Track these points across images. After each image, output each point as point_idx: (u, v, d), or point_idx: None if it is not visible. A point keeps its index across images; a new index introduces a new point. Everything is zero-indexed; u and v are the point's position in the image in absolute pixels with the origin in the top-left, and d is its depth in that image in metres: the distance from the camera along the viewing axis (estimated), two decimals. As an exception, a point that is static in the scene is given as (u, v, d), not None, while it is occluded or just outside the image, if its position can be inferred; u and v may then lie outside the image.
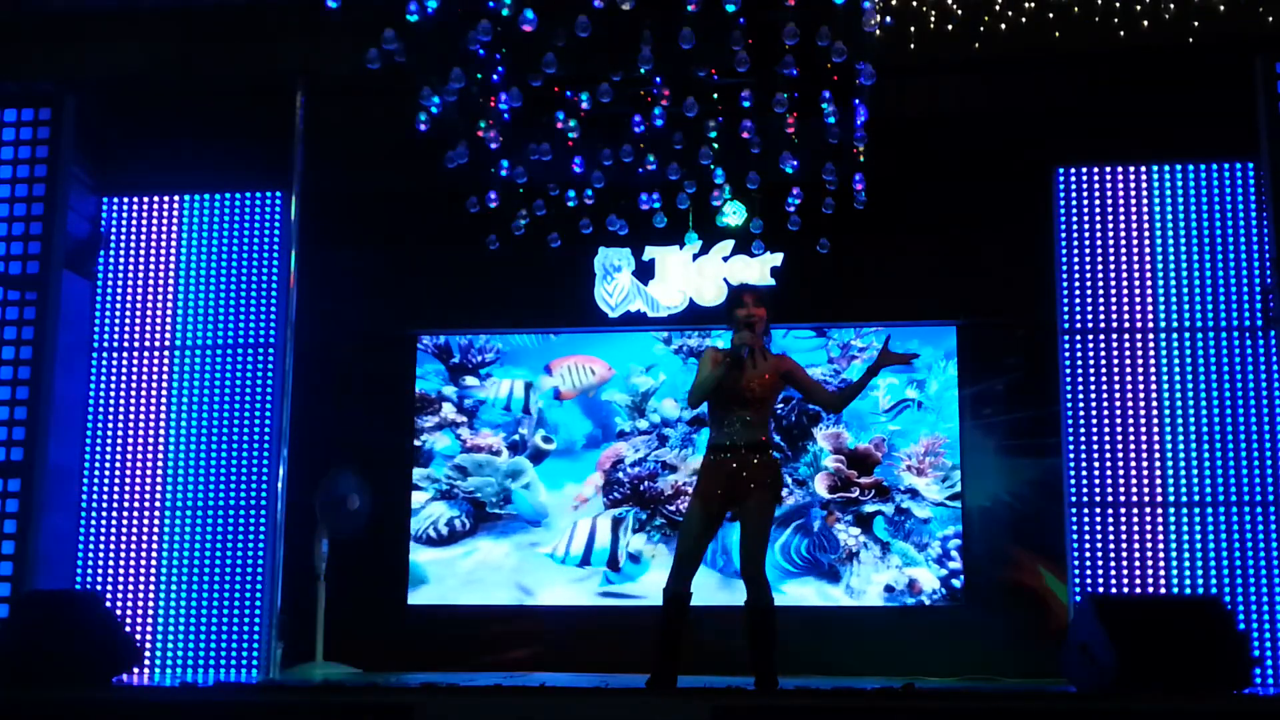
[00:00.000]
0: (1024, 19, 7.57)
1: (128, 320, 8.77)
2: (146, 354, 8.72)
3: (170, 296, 8.75)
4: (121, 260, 8.82)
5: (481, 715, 5.60)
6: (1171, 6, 7.51)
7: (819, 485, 9.17)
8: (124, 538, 8.53)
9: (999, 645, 8.45)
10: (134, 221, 8.86)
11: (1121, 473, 8.03)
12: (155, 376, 8.69)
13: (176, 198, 8.84)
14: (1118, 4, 7.57)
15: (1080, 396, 8.13)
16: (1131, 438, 8.05)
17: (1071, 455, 8.09)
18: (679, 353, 9.41)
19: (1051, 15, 7.57)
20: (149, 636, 8.35)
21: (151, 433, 8.62)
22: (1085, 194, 8.31)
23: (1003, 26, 7.58)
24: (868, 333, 9.19)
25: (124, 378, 8.71)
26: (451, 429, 9.45)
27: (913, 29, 7.54)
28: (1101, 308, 8.20)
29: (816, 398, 6.64)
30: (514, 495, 9.32)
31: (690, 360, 9.32)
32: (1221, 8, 7.48)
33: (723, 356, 6.26)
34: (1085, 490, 8.05)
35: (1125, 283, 8.21)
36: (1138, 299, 8.18)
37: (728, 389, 6.21)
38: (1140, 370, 8.11)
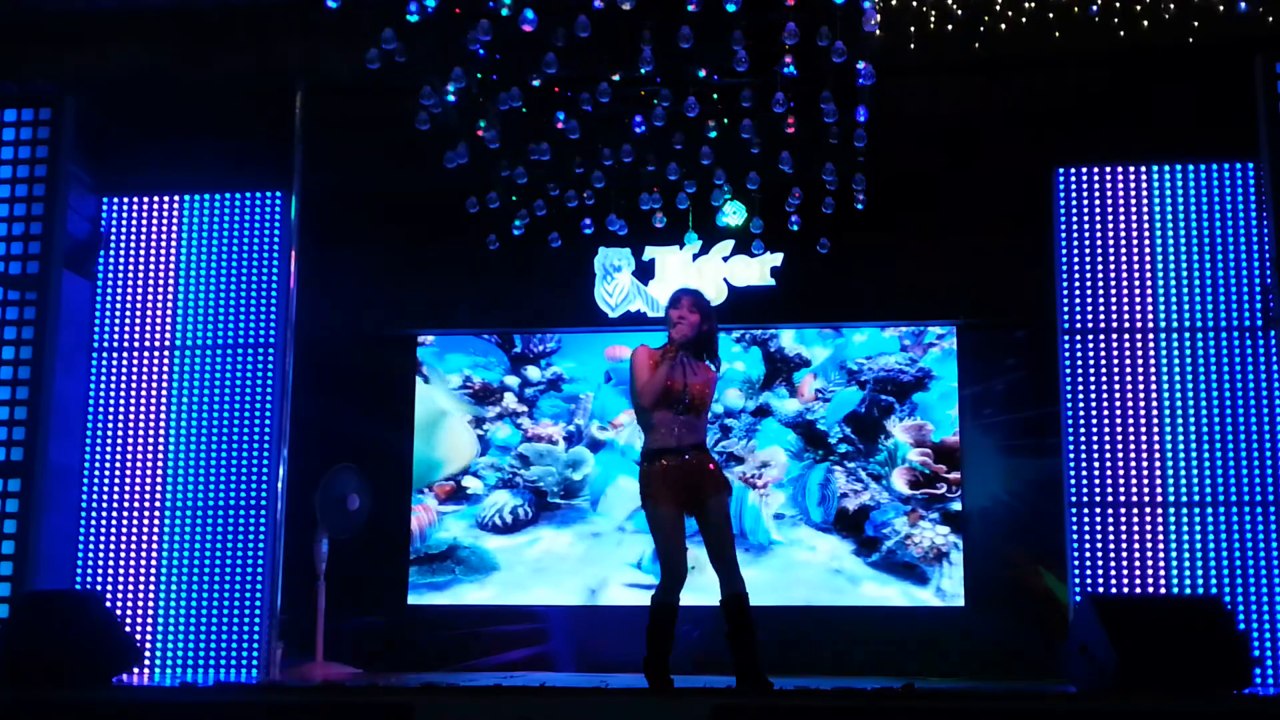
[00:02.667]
0: (1024, 19, 7.57)
1: (128, 320, 8.75)
2: (146, 354, 8.71)
3: (170, 296, 8.74)
4: (121, 260, 8.80)
5: (481, 715, 5.59)
6: (1171, 6, 7.51)
7: (898, 481, 9.05)
8: (124, 538, 8.52)
9: (999, 645, 8.45)
10: (134, 221, 8.84)
11: (1121, 473, 8.02)
12: (155, 376, 8.67)
13: (176, 198, 8.83)
14: (1118, 4, 7.56)
15: (1080, 396, 8.12)
16: (1131, 438, 8.04)
17: (1071, 455, 8.08)
18: (740, 341, 9.38)
19: (1051, 15, 7.56)
20: (149, 636, 8.34)
21: (151, 433, 8.61)
22: (1085, 194, 8.30)
23: (1003, 26, 7.58)
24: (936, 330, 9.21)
25: (124, 378, 8.70)
26: (512, 419, 9.52)
27: (913, 29, 7.54)
28: (1101, 308, 8.19)
29: None
30: (588, 481, 9.41)
31: (753, 349, 9.34)
32: (1221, 8, 7.48)
33: (660, 355, 6.18)
34: (1085, 490, 8.04)
35: (1125, 283, 8.20)
36: (1138, 299, 8.18)
37: (679, 393, 6.16)
38: (1140, 370, 8.11)
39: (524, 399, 9.55)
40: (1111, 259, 8.22)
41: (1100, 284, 8.21)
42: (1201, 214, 8.19)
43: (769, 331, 9.37)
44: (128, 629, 7.91)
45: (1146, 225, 8.22)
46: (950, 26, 7.55)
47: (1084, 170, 8.31)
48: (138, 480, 8.57)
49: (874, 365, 9.25)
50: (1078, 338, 8.19)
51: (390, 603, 9.24)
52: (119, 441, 8.63)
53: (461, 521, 9.44)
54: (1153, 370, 8.09)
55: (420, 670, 8.43)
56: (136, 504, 8.55)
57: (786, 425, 9.31)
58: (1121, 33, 7.57)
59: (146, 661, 8.16)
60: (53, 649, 6.58)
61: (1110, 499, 8.01)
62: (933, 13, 7.55)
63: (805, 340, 9.38)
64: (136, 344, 8.73)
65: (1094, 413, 8.10)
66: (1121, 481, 8.01)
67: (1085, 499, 8.03)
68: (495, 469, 9.50)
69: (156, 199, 8.85)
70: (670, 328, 6.21)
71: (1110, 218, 8.26)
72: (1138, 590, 7.86)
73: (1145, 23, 7.54)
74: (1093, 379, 8.13)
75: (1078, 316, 8.21)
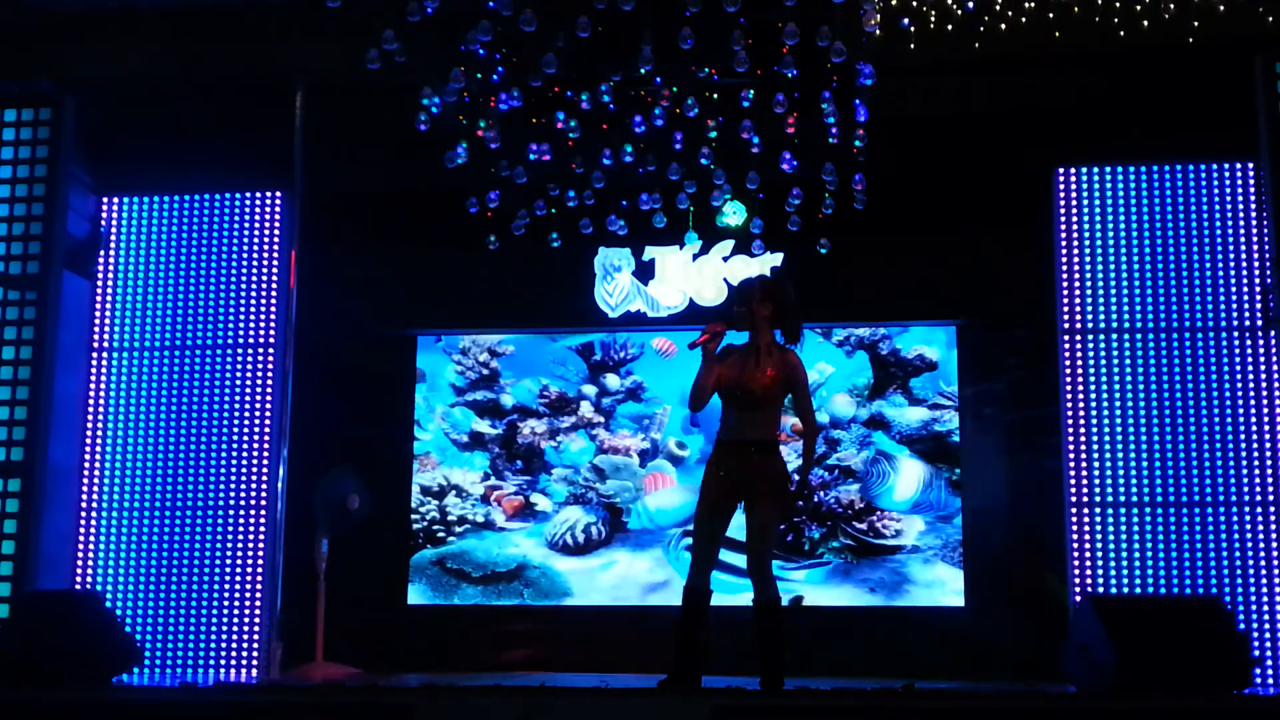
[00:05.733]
0: (1024, 19, 7.57)
1: (128, 320, 8.75)
2: (146, 354, 8.71)
3: (170, 296, 8.74)
4: (121, 260, 8.81)
5: (481, 715, 5.60)
6: (1171, 6, 7.51)
7: None
8: (124, 538, 8.52)
9: (999, 645, 8.45)
10: (134, 221, 8.85)
11: (1121, 473, 8.02)
12: (155, 376, 8.68)
13: (176, 198, 8.83)
14: (1118, 4, 7.57)
15: (1080, 396, 8.12)
16: (1131, 438, 8.05)
17: (1071, 455, 8.08)
18: (843, 345, 9.09)
19: (1051, 15, 7.57)
20: (149, 636, 8.34)
21: (151, 433, 8.62)
22: (1085, 194, 8.30)
23: (1003, 26, 7.58)
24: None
25: (124, 378, 8.70)
26: (587, 430, 9.24)
27: (913, 29, 7.54)
28: (1101, 308, 8.19)
29: (799, 415, 6.38)
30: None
31: (858, 353, 9.08)
32: (1221, 8, 7.48)
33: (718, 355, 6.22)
34: (1085, 490, 8.04)
35: (1125, 283, 8.20)
36: (1138, 299, 8.18)
37: (731, 387, 6.17)
38: (1140, 370, 8.11)
39: (600, 409, 9.22)
40: (1111, 259, 8.22)
41: (1100, 284, 8.21)
42: (1201, 214, 8.19)
43: (879, 332, 9.04)
44: (128, 629, 7.91)
45: (1146, 225, 8.23)
46: (950, 26, 7.55)
47: (1084, 170, 8.31)
48: (138, 480, 8.58)
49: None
50: (1078, 338, 8.19)
51: (390, 602, 9.22)
52: (119, 441, 8.63)
53: (530, 539, 9.15)
54: (1153, 370, 8.09)
55: (420, 670, 8.43)
56: (136, 504, 8.55)
57: (903, 440, 8.95)
58: (1121, 33, 7.58)
59: (146, 661, 8.16)
60: (53, 649, 6.58)
61: (1110, 499, 8.01)
62: (933, 13, 7.55)
63: (922, 340, 9.00)
64: (136, 344, 8.73)
65: (1094, 413, 8.09)
66: (1121, 481, 8.01)
67: (1085, 499, 8.03)
68: (567, 483, 9.20)
69: (156, 199, 8.85)
70: (743, 323, 6.22)
71: (1110, 218, 8.26)
72: (1138, 590, 7.86)
73: (1145, 23, 7.54)
74: (1093, 379, 8.13)
75: (1078, 316, 8.21)
